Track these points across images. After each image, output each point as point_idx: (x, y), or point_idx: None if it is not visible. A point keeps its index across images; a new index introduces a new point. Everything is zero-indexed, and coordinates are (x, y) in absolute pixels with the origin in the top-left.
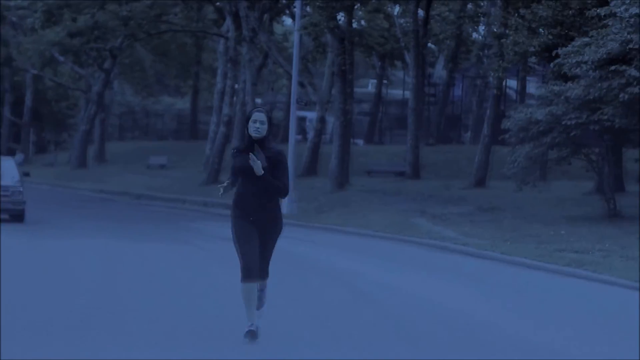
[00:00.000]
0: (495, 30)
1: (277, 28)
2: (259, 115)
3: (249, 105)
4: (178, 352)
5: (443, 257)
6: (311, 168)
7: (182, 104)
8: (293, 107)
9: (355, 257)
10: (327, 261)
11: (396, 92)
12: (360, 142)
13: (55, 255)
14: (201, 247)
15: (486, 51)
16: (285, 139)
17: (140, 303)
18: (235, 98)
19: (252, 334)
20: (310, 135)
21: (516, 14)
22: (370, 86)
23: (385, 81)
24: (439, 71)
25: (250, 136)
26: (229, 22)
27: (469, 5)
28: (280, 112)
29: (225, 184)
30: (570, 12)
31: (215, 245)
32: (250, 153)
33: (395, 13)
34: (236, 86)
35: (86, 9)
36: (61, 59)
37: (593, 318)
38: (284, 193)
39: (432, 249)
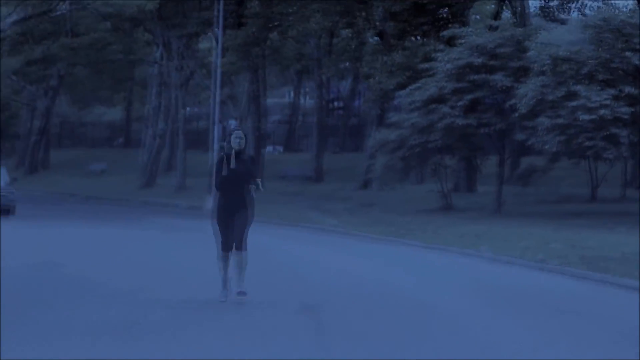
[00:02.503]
0: (366, 70)
1: (202, 43)
2: (238, 133)
3: (181, 121)
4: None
5: (322, 236)
6: None
7: (113, 113)
8: (217, 125)
9: (265, 236)
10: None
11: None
12: (280, 148)
13: (49, 237)
14: (150, 229)
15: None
16: (210, 147)
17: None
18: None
19: (240, 295)
20: None
21: (380, 60)
22: (291, 95)
23: (307, 89)
24: (351, 83)
25: (232, 148)
26: (161, 50)
27: None
28: (205, 123)
29: (257, 185)
30: (417, 60)
31: (158, 228)
32: (229, 166)
33: None
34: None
35: (43, 40)
36: (14, 78)
37: (406, 265)
38: (257, 186)
39: (317, 231)
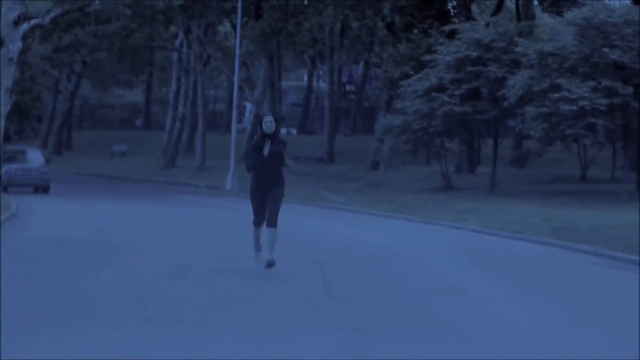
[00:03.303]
0: (375, 60)
1: (219, 28)
2: (269, 117)
3: (201, 105)
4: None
5: (332, 212)
6: None
7: (131, 95)
8: (235, 110)
9: (282, 212)
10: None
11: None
12: (294, 131)
13: (90, 212)
14: (176, 206)
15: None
16: (227, 130)
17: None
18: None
19: (269, 263)
20: (248, 127)
21: (387, 51)
22: (306, 78)
23: (321, 72)
24: (363, 68)
25: (264, 131)
26: (182, 38)
27: None
28: (222, 105)
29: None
30: (420, 51)
31: (184, 204)
32: (265, 146)
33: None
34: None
35: (70, 28)
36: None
37: (401, 235)
38: (288, 166)
39: (327, 208)
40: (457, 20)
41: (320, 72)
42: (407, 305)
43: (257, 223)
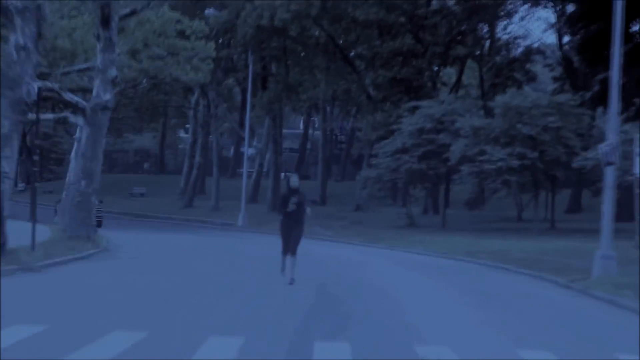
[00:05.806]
0: (357, 125)
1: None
2: (294, 176)
3: (215, 156)
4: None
5: (324, 243)
6: (254, 196)
7: (140, 140)
8: (246, 161)
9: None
10: (266, 244)
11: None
12: (289, 175)
13: (143, 238)
14: (205, 236)
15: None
16: (233, 174)
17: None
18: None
19: (291, 281)
20: (254, 174)
21: (366, 118)
22: (302, 126)
23: (315, 119)
24: (352, 123)
25: (290, 186)
26: (197, 97)
27: None
28: (226, 151)
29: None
30: (391, 119)
31: (201, 234)
32: (291, 198)
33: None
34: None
35: None
36: None
37: (367, 253)
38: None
39: (319, 240)
40: (426, 88)
41: (316, 120)
42: (356, 278)
43: (285, 252)
